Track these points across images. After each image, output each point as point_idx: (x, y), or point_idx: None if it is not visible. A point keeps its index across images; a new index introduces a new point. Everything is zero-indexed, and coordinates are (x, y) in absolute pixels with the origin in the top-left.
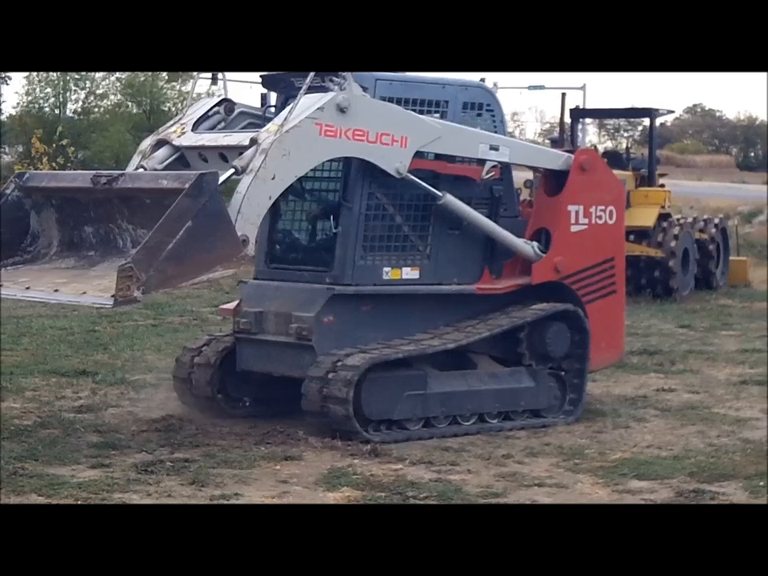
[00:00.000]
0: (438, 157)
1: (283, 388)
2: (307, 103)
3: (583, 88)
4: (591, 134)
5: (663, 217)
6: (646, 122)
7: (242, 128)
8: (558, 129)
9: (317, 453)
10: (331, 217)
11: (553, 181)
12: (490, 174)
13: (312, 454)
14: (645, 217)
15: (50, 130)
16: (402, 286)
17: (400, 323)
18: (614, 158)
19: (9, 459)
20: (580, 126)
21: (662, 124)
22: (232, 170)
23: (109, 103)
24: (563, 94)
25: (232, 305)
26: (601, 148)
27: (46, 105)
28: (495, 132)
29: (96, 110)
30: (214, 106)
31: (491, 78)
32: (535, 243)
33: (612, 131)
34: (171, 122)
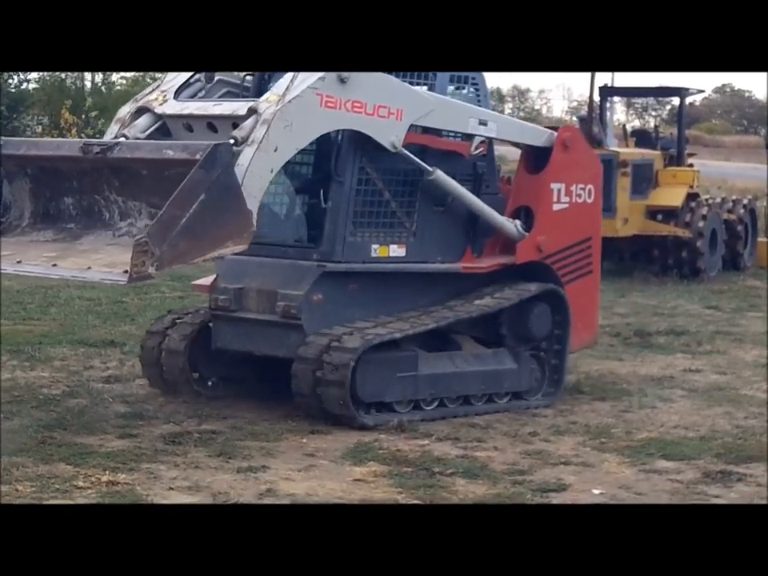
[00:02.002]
0: (425, 131)
1: (255, 367)
2: (306, 74)
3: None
4: (619, 113)
5: (691, 197)
6: (675, 101)
7: (220, 97)
8: (585, 107)
9: (343, 427)
10: (321, 192)
11: (533, 158)
12: (478, 150)
13: (338, 429)
14: (673, 197)
15: (75, 101)
16: (390, 263)
17: (386, 302)
18: (643, 137)
19: (37, 428)
20: (608, 105)
21: (690, 104)
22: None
23: (132, 75)
24: (592, 74)
25: (207, 280)
26: (629, 127)
27: (67, 77)
28: (479, 106)
29: (121, 81)
30: (195, 73)
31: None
32: (518, 221)
33: (640, 110)
34: (150, 88)
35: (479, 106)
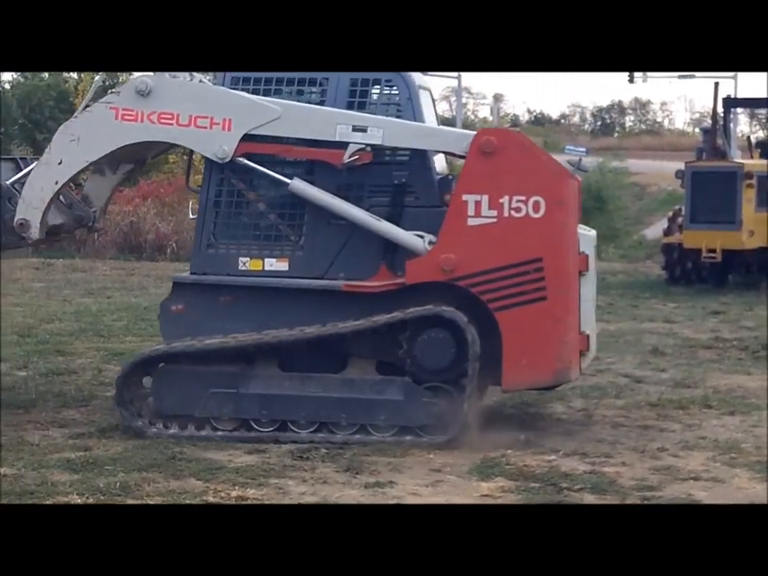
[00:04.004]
0: (276, 140)
1: None
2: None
3: (735, 77)
4: (743, 124)
5: None
6: None
7: None
8: (708, 118)
9: (469, 443)
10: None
11: None
12: (353, 158)
13: (465, 444)
14: None
15: None
16: (264, 277)
17: (261, 317)
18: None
19: (168, 444)
20: (731, 116)
21: None
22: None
23: None
24: (716, 84)
25: None
26: (753, 138)
27: None
28: (399, 112)
29: None
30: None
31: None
32: (430, 237)
33: (764, 121)
34: None
35: (399, 111)
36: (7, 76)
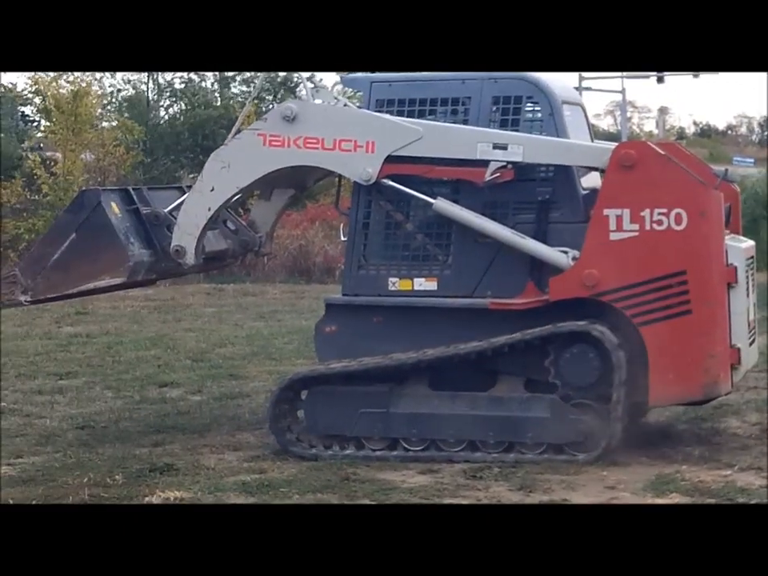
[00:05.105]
0: (419, 160)
1: None
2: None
3: None
4: None
5: None
6: None
7: None
8: None
9: (644, 459)
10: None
11: None
12: (495, 176)
13: (638, 461)
14: None
15: None
16: (413, 297)
17: (414, 336)
18: None
19: (341, 465)
20: None
21: None
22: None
23: None
24: None
25: None
26: None
27: None
28: (542, 129)
29: None
30: None
31: None
32: (574, 252)
33: None
34: None
35: (542, 127)
36: (181, 105)
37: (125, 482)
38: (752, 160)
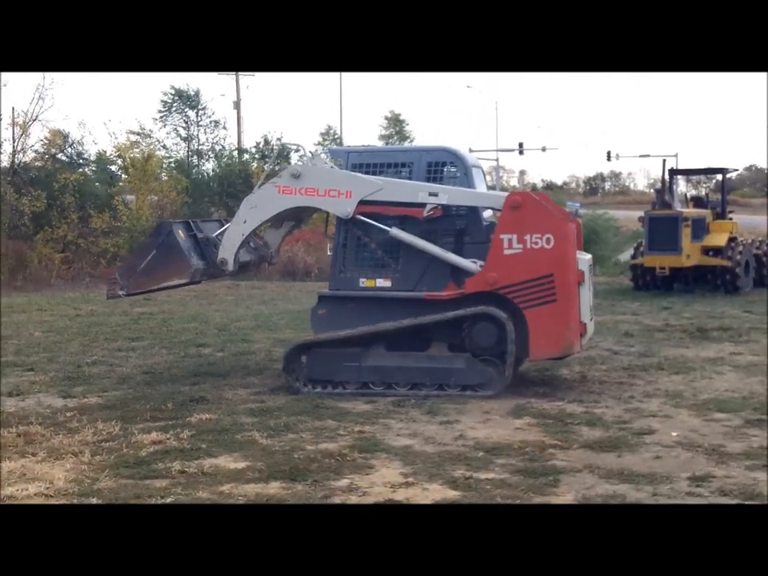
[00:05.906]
0: (379, 203)
1: None
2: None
3: (676, 156)
4: (682, 186)
5: (732, 239)
6: (719, 176)
7: None
8: (659, 183)
9: (507, 395)
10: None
11: None
12: (429, 213)
13: (504, 395)
14: (719, 239)
15: None
16: (376, 291)
17: (375, 317)
18: (698, 202)
19: (314, 398)
20: (675, 180)
21: (729, 177)
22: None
23: None
24: (664, 160)
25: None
26: (689, 195)
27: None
28: (456, 182)
29: None
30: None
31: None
32: (480, 262)
33: (695, 183)
34: None
35: (456, 182)
36: (211, 164)
37: (173, 408)
38: (579, 204)
